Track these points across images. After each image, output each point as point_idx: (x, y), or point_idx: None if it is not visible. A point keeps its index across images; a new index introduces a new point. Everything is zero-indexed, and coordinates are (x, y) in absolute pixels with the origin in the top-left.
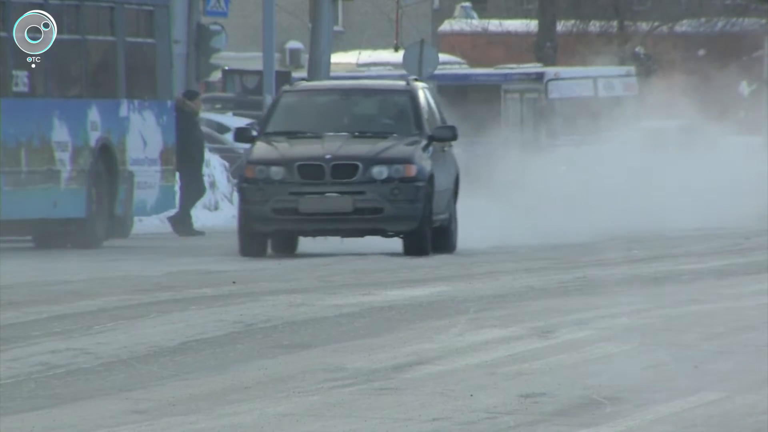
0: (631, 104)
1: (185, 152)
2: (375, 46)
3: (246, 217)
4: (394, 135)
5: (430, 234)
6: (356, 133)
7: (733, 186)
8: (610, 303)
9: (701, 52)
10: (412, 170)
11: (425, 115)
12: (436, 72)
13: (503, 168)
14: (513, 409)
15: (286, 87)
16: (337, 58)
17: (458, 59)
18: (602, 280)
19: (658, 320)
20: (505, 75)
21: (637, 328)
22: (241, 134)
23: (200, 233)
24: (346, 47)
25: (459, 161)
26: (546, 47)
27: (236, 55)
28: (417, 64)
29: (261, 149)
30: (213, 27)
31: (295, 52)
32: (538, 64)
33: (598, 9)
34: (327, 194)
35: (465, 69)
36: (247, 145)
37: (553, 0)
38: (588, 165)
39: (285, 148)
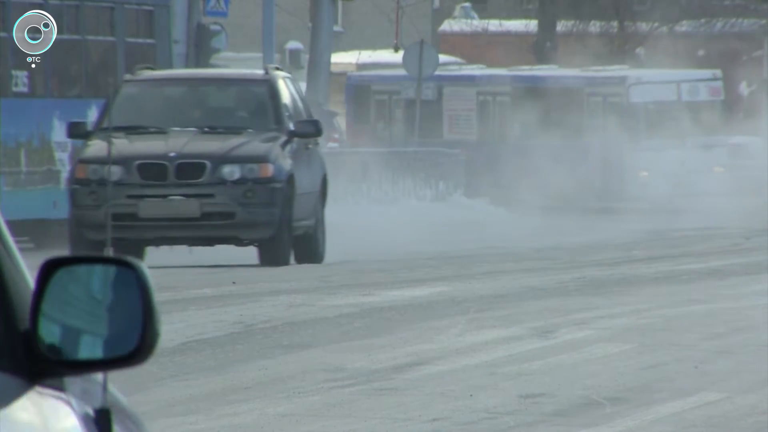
0: (717, 109)
1: None
2: (375, 46)
3: (77, 223)
4: (250, 130)
5: (290, 242)
6: (206, 129)
7: (733, 186)
8: (610, 303)
9: (701, 53)
10: (268, 170)
11: (286, 109)
12: (518, 73)
13: (583, 172)
14: (513, 409)
15: (127, 76)
16: (337, 58)
17: (458, 59)
18: (602, 280)
19: (658, 320)
20: (589, 78)
21: (637, 328)
22: (75, 129)
23: None
24: (346, 47)
25: (538, 163)
26: (546, 47)
27: (236, 56)
28: (417, 65)
29: (96, 146)
30: (213, 27)
31: (295, 52)
32: (622, 67)
33: (598, 9)
34: (171, 197)
35: (551, 70)
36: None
37: (553, 0)
38: (670, 170)
39: (123, 144)
